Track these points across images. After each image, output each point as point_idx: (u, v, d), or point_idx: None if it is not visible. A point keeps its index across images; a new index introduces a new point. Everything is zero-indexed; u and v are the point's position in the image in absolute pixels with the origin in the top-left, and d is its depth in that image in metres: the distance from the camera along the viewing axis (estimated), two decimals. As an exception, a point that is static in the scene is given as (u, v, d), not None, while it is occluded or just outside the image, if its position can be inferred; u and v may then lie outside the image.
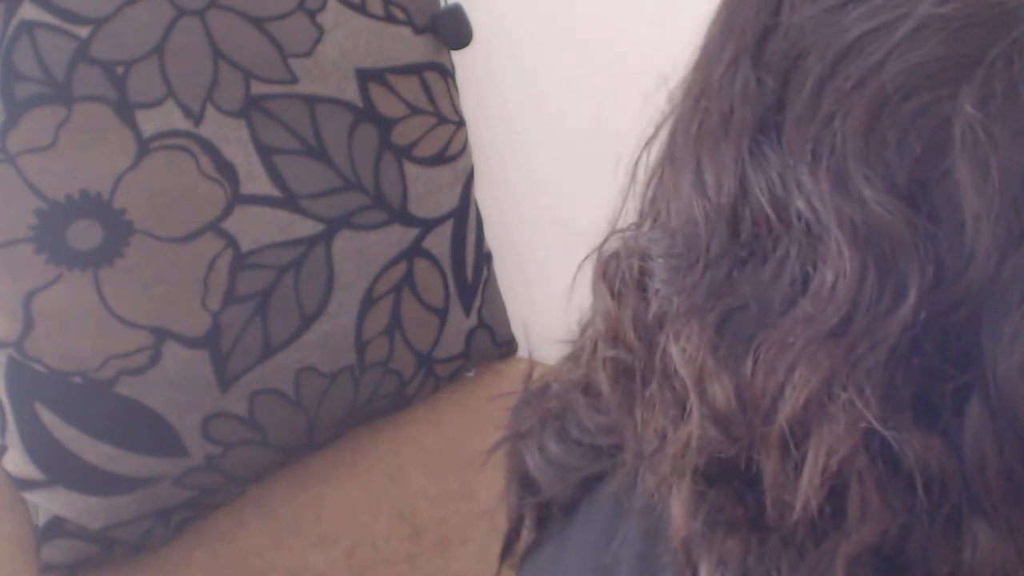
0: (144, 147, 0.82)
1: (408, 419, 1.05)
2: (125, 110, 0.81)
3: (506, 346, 1.11)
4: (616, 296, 0.42)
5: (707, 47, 0.40)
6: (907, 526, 0.34)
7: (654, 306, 0.40)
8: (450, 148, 0.99)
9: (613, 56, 1.04)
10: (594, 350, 0.44)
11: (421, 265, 0.98)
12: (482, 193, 1.05)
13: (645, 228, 0.43)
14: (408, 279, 0.97)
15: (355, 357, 0.95)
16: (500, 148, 1.11)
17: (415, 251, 0.97)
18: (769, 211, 0.35)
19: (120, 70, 0.81)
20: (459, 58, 1.02)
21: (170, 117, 0.83)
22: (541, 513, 0.49)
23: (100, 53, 0.80)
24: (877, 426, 0.33)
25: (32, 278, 0.80)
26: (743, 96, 0.37)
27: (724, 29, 0.39)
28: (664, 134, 0.43)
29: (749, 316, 0.36)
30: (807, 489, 0.34)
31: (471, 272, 1.04)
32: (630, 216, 0.45)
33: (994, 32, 0.32)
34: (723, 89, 0.38)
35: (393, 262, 0.96)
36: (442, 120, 0.98)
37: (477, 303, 1.05)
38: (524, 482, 0.49)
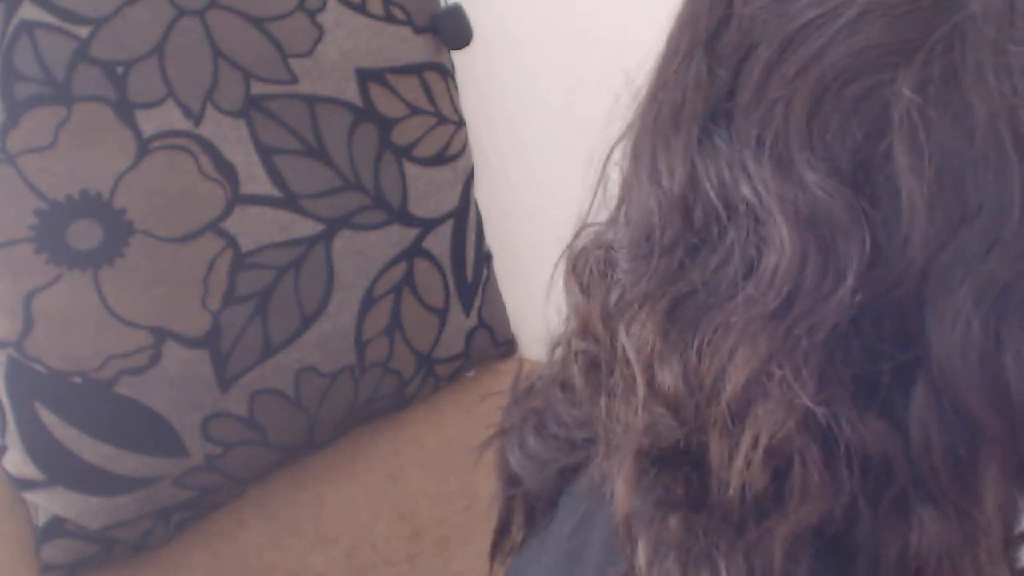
0: (144, 147, 0.82)
1: (408, 419, 1.05)
2: (125, 110, 0.82)
3: (506, 346, 1.11)
4: (585, 289, 0.42)
5: (668, 41, 0.40)
6: (852, 508, 0.35)
7: (614, 295, 0.40)
8: (450, 148, 0.99)
9: (613, 56, 1.04)
10: (568, 344, 0.44)
11: (421, 265, 0.98)
12: (482, 193, 1.05)
13: (616, 221, 0.43)
14: (408, 279, 0.97)
15: (355, 357, 0.95)
16: (500, 148, 1.11)
17: (415, 251, 0.97)
18: (717, 199, 0.36)
19: (120, 70, 0.81)
20: (459, 58, 1.02)
21: (170, 117, 0.83)
22: (528, 509, 0.50)
23: (100, 53, 0.80)
24: (810, 405, 0.33)
25: (32, 278, 0.80)
26: (695, 86, 0.37)
27: (682, 23, 0.39)
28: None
29: (698, 301, 0.37)
30: (744, 467, 0.35)
31: (471, 272, 1.04)
32: (600, 211, 0.45)
33: (936, 17, 0.32)
34: (677, 80, 0.38)
35: (393, 262, 0.96)
36: (442, 120, 0.98)
37: (477, 303, 1.05)
38: (509, 479, 0.50)
